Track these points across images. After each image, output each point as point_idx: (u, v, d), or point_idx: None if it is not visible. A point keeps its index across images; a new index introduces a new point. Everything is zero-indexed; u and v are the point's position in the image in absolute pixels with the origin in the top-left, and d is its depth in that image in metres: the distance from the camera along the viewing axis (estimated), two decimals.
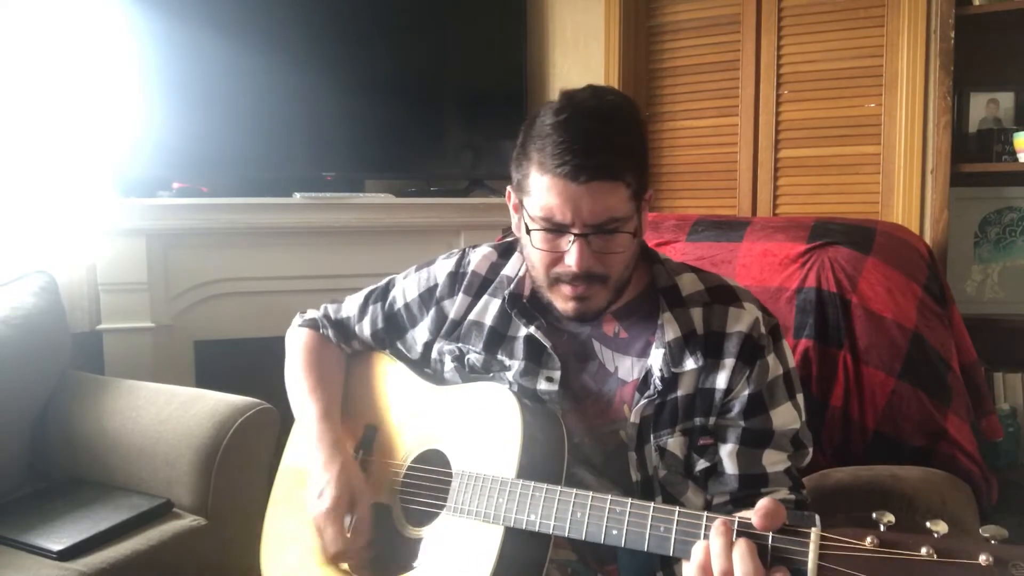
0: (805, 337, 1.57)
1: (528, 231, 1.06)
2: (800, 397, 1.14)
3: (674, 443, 1.11)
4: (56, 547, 1.54)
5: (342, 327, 1.36)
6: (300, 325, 1.39)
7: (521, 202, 1.09)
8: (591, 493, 0.97)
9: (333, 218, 2.57)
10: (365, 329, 1.34)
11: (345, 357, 1.37)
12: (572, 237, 1.03)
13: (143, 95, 2.41)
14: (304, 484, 1.30)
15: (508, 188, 1.14)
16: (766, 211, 2.59)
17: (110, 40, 2.36)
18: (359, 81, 2.62)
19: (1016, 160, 2.18)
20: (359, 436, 1.28)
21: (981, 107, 2.31)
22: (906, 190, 2.34)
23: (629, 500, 0.94)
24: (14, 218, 2.24)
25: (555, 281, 1.08)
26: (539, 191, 1.03)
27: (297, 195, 2.51)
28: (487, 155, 2.79)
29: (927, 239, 2.21)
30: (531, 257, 1.10)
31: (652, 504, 0.92)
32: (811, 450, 1.15)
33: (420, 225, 2.67)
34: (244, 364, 2.45)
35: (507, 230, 2.40)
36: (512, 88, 2.79)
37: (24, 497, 1.78)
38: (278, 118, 2.56)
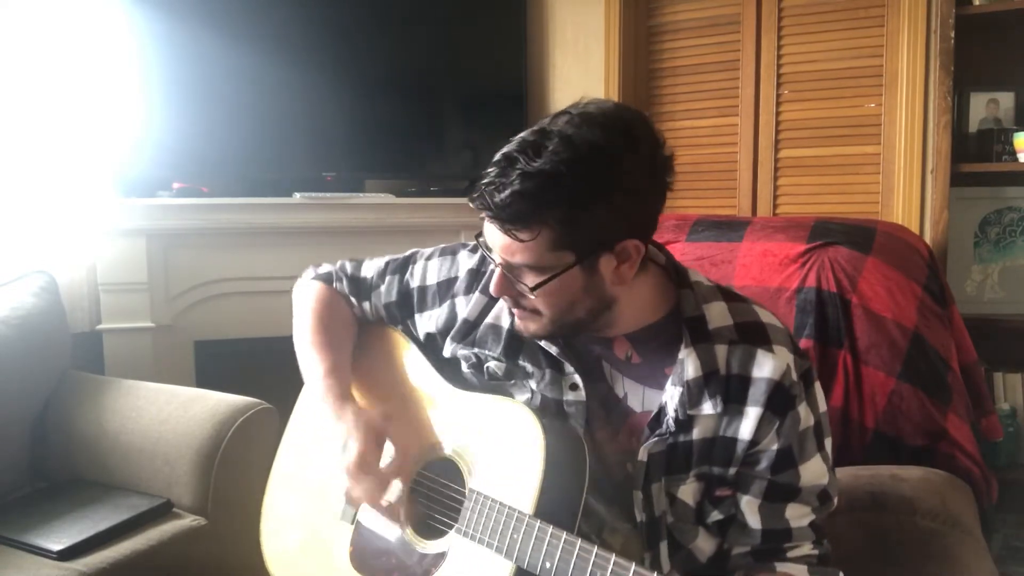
0: (805, 337, 1.56)
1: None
2: (828, 442, 1.09)
3: (686, 490, 1.05)
4: (56, 547, 1.54)
5: (358, 284, 1.30)
6: (313, 278, 1.32)
7: None
8: (613, 556, 0.92)
9: (333, 218, 2.57)
10: (381, 295, 1.28)
11: (356, 318, 1.31)
12: (494, 263, 1.02)
13: (143, 95, 2.41)
14: (306, 464, 1.27)
15: None
16: (766, 211, 2.59)
17: (110, 40, 2.36)
18: (359, 81, 2.63)
19: (1016, 160, 2.18)
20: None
21: (981, 107, 2.30)
22: (906, 190, 2.34)
23: (654, 574, 0.90)
24: (14, 218, 2.24)
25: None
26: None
27: (297, 195, 2.51)
28: (487, 155, 2.76)
29: (927, 239, 2.21)
30: None
31: None
32: (836, 500, 1.10)
33: (420, 225, 2.67)
34: (244, 364, 2.46)
35: None
36: (512, 88, 2.79)
37: (24, 497, 1.78)
38: (278, 118, 2.57)
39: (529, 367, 1.12)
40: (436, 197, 2.71)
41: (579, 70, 2.81)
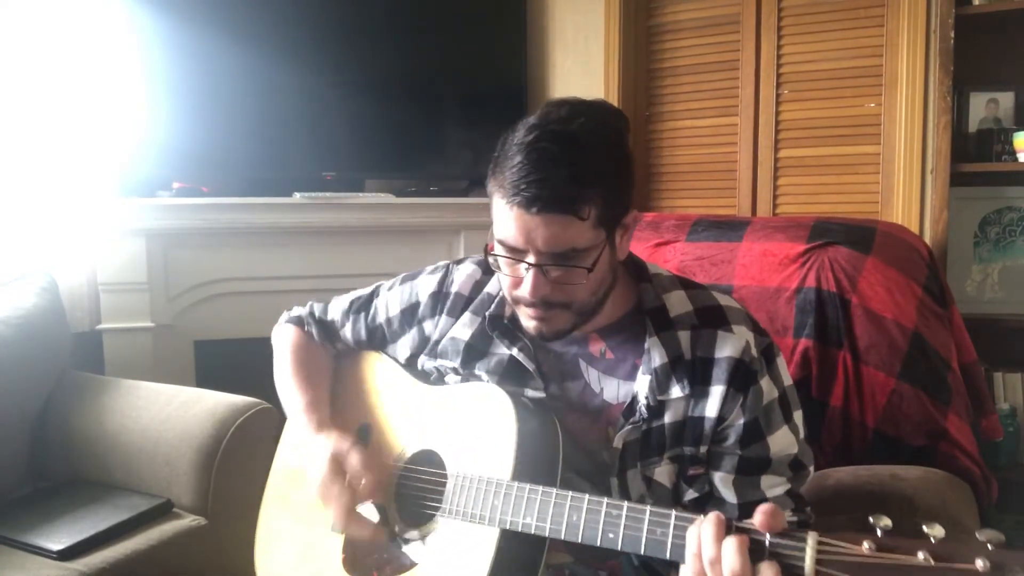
0: (805, 337, 1.56)
1: (492, 252, 1.05)
2: (798, 415, 1.12)
3: (662, 472, 1.09)
4: (56, 547, 1.54)
5: (326, 328, 1.35)
6: (286, 322, 1.39)
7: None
8: (587, 496, 0.96)
9: (333, 218, 2.57)
10: (348, 336, 1.34)
11: (331, 354, 1.37)
12: (527, 265, 1.01)
13: (144, 95, 2.41)
14: (296, 485, 1.30)
15: None
16: (766, 211, 2.59)
17: (111, 40, 2.37)
18: (359, 81, 2.63)
19: (1016, 160, 2.18)
20: (353, 435, 1.26)
21: (981, 107, 2.31)
22: (906, 190, 2.34)
23: (625, 503, 0.94)
24: (15, 218, 2.24)
25: (517, 301, 1.07)
26: (499, 215, 1.02)
27: (297, 195, 2.51)
28: (487, 155, 2.76)
29: (927, 239, 2.21)
30: (500, 278, 1.09)
31: (648, 507, 0.92)
32: (811, 469, 1.13)
33: (420, 225, 2.67)
34: (244, 364, 2.44)
35: None
36: (512, 88, 2.79)
37: (24, 497, 1.78)
38: (278, 118, 2.57)
39: (485, 376, 1.16)
40: (436, 197, 2.71)
41: (579, 70, 2.81)
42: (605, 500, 0.95)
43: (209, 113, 2.48)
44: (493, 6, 2.81)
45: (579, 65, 2.81)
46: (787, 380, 1.12)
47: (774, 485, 1.08)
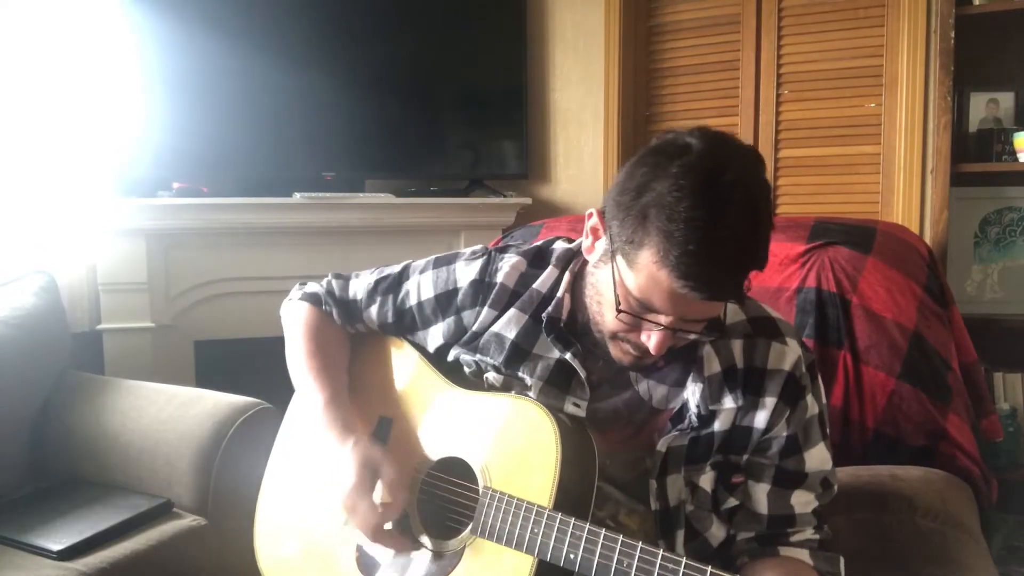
0: (805, 337, 1.56)
1: (617, 298, 0.98)
2: (828, 430, 1.12)
3: (706, 478, 1.09)
4: (56, 547, 1.53)
5: (347, 308, 1.27)
6: (300, 299, 1.31)
7: (614, 253, 0.97)
8: (640, 544, 0.93)
9: (333, 218, 2.57)
10: (373, 317, 1.25)
11: (349, 337, 1.29)
12: (660, 325, 0.96)
13: (143, 95, 2.41)
14: (304, 471, 1.26)
15: (594, 210, 1.02)
16: None
17: (111, 40, 2.37)
18: (359, 81, 2.63)
19: (1016, 160, 2.18)
20: (372, 425, 1.20)
21: (981, 107, 2.31)
22: (906, 190, 2.35)
23: (683, 559, 0.91)
24: (14, 218, 2.24)
25: (617, 338, 1.03)
26: (647, 279, 0.92)
27: (297, 195, 2.51)
28: (487, 155, 2.79)
29: (927, 239, 2.21)
30: (604, 311, 1.02)
31: (708, 568, 0.89)
32: (836, 488, 1.14)
33: (420, 225, 2.67)
34: (244, 364, 2.46)
35: (507, 230, 2.40)
36: (512, 88, 2.79)
37: (24, 497, 1.78)
38: (278, 118, 2.57)
39: (528, 379, 1.12)
40: (436, 197, 2.71)
41: (579, 70, 2.81)
42: (660, 552, 0.92)
43: (209, 113, 2.48)
44: (493, 6, 2.81)
45: (579, 65, 2.81)
46: (823, 397, 1.13)
47: (805, 502, 1.09)
